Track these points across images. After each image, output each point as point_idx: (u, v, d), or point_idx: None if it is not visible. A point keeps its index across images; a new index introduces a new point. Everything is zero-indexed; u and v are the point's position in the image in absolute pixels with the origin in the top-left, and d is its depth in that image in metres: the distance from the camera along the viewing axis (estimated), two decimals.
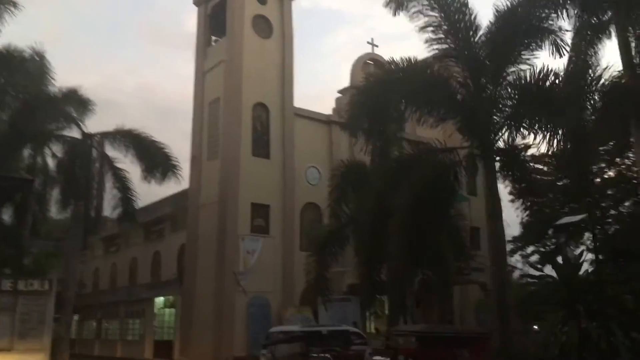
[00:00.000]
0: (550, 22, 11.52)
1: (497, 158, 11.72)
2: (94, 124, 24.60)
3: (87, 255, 38.18)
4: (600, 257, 17.54)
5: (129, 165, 24.20)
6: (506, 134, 11.64)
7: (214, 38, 30.86)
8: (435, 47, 11.64)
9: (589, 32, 12.57)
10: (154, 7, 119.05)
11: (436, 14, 11.81)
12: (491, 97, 11.57)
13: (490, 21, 11.93)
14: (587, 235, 25.69)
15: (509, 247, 27.86)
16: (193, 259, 27.72)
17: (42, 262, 23.62)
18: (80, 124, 23.44)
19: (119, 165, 24.02)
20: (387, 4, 12.85)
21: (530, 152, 16.87)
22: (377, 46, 33.37)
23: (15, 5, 20.19)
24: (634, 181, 25.76)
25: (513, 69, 11.72)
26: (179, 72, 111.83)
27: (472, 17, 11.65)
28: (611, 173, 27.68)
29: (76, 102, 24.16)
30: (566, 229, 15.87)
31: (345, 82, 32.89)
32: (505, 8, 11.84)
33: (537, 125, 11.11)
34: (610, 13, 12.26)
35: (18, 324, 17.45)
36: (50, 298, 20.28)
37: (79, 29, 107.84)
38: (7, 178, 20.09)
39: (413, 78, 11.42)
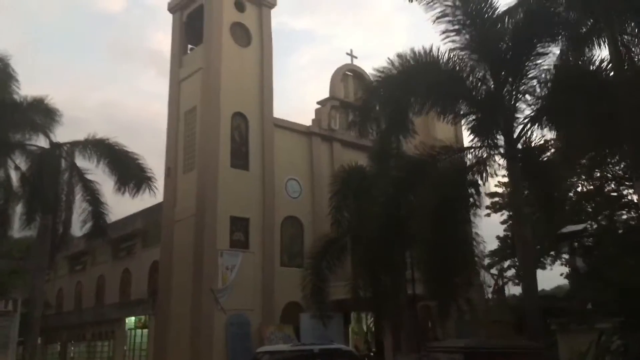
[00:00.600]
0: (565, 15, 10.91)
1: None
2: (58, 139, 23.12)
3: (51, 275, 36.13)
4: None
5: (99, 177, 22.92)
6: (528, 131, 11.00)
7: (189, 46, 29.80)
8: (451, 38, 10.93)
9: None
10: (117, 23, 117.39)
11: (451, 3, 11.11)
12: (513, 92, 10.90)
13: (507, 12, 11.27)
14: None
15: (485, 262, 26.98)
16: (167, 276, 26.27)
17: (5, 281, 21.88)
18: (49, 132, 22.02)
19: (89, 176, 22.76)
20: None
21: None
22: (356, 57, 32.96)
23: None
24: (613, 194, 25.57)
25: (535, 62, 11.06)
26: (143, 89, 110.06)
27: (491, 6, 10.98)
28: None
29: (43, 112, 22.74)
30: (570, 238, 15.37)
31: (313, 97, 32.33)
32: None
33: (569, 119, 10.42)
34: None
35: None
36: (14, 319, 18.80)
37: (39, 45, 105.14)
38: None
39: (435, 69, 10.68)
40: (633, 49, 11.67)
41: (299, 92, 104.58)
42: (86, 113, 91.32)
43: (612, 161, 23.26)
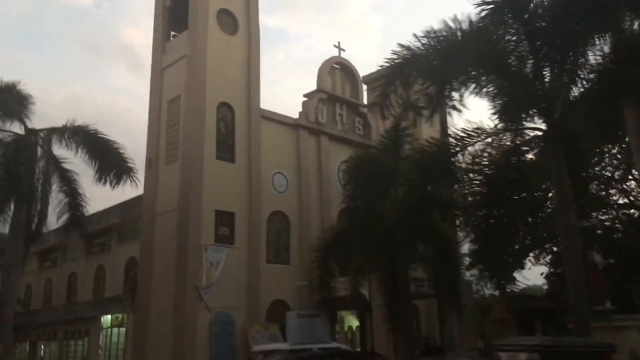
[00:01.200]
0: None
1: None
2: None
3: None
4: None
5: (77, 167, 21.60)
6: (571, 113, 10.22)
7: (172, 33, 28.59)
8: (487, 8, 9.99)
9: None
10: (86, 17, 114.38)
11: None
12: (561, 71, 10.13)
13: None
14: None
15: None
16: (147, 272, 25.05)
17: None
18: (24, 118, 20.63)
19: (66, 165, 21.42)
20: None
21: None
22: (344, 50, 32.19)
23: None
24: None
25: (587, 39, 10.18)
26: (112, 84, 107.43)
27: None
28: None
29: (15, 97, 21.34)
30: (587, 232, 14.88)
31: (288, 94, 31.45)
32: None
33: None
34: None
35: None
36: None
37: (5, 38, 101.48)
38: None
39: (479, 41, 9.81)
40: None
41: (273, 90, 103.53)
42: (52, 108, 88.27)
43: None
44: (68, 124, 21.06)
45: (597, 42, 9.89)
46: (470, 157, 11.57)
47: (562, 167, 9.72)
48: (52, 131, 21.13)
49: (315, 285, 15.73)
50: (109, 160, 21.28)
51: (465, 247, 18.42)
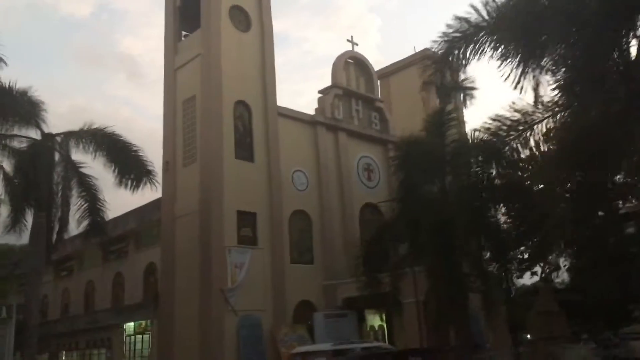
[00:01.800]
0: None
1: None
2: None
3: None
4: None
5: (95, 171, 21.05)
6: None
7: (184, 33, 28.07)
8: None
9: None
10: (84, 28, 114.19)
11: None
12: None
13: None
14: None
15: None
16: (169, 277, 24.49)
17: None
18: (40, 122, 20.08)
19: (85, 170, 20.88)
20: None
21: None
22: (357, 44, 31.64)
23: None
24: None
25: None
26: (113, 94, 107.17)
27: None
28: None
29: (27, 103, 20.81)
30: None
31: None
32: None
33: None
34: None
35: None
36: (9, 327, 17.06)
37: (3, 51, 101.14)
38: None
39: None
40: None
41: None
42: (57, 119, 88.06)
43: None
44: (85, 127, 20.58)
45: None
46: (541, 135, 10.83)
47: None
48: (69, 135, 20.56)
49: (361, 281, 14.97)
50: (128, 164, 20.73)
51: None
